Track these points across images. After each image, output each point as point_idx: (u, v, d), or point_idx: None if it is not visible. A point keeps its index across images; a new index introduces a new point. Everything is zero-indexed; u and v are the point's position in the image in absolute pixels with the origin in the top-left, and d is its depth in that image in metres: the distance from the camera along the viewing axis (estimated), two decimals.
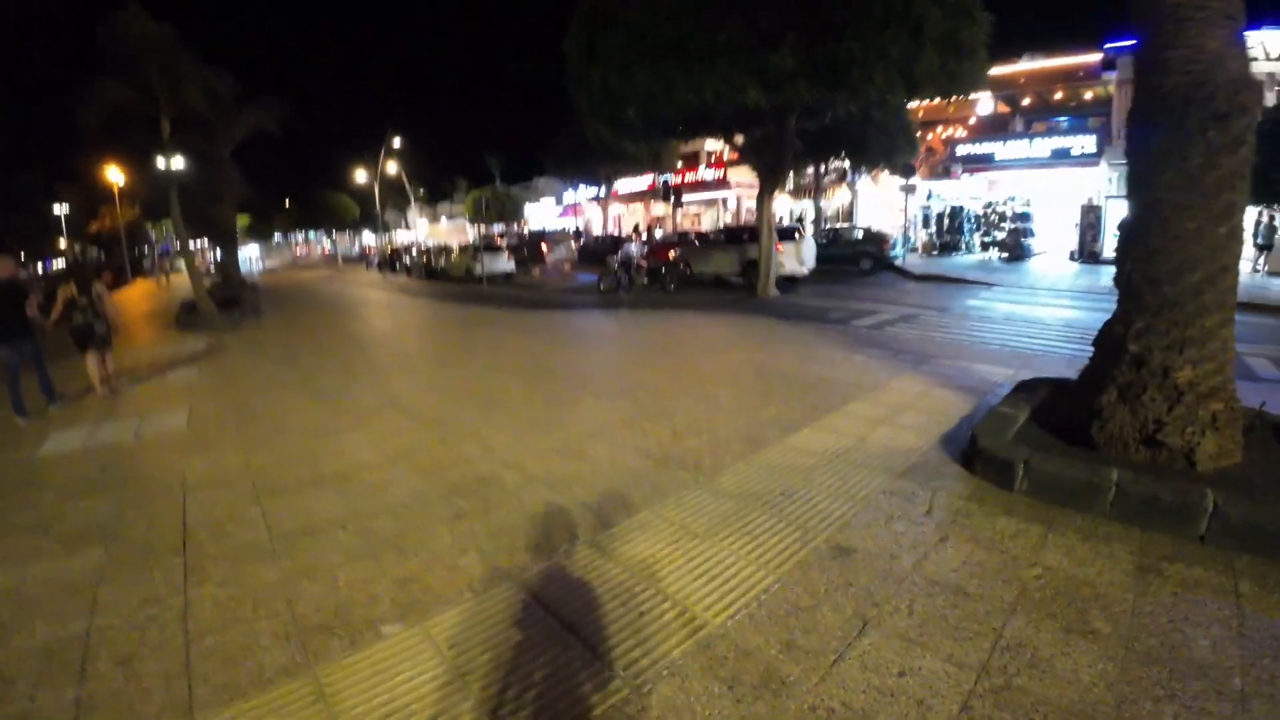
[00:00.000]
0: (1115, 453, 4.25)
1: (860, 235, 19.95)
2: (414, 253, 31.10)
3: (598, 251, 29.17)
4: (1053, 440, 4.60)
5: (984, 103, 28.01)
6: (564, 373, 7.33)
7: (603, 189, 34.84)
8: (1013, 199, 23.63)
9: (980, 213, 23.41)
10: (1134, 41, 4.56)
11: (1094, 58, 23.10)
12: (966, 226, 23.41)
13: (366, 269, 36.99)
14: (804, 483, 4.00)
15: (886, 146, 20.61)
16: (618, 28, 10.24)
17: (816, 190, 24.67)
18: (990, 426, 4.62)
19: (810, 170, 24.03)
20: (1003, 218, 22.34)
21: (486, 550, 3.27)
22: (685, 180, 32.24)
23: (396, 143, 31.45)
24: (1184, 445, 4.02)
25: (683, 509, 3.64)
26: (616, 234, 31.84)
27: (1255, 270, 17.64)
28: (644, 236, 32.72)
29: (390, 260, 32.02)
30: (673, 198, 27.91)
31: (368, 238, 73.13)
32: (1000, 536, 3.31)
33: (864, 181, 27.16)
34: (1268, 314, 11.62)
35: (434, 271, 26.21)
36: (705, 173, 31.87)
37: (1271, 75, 20.19)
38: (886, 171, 23.54)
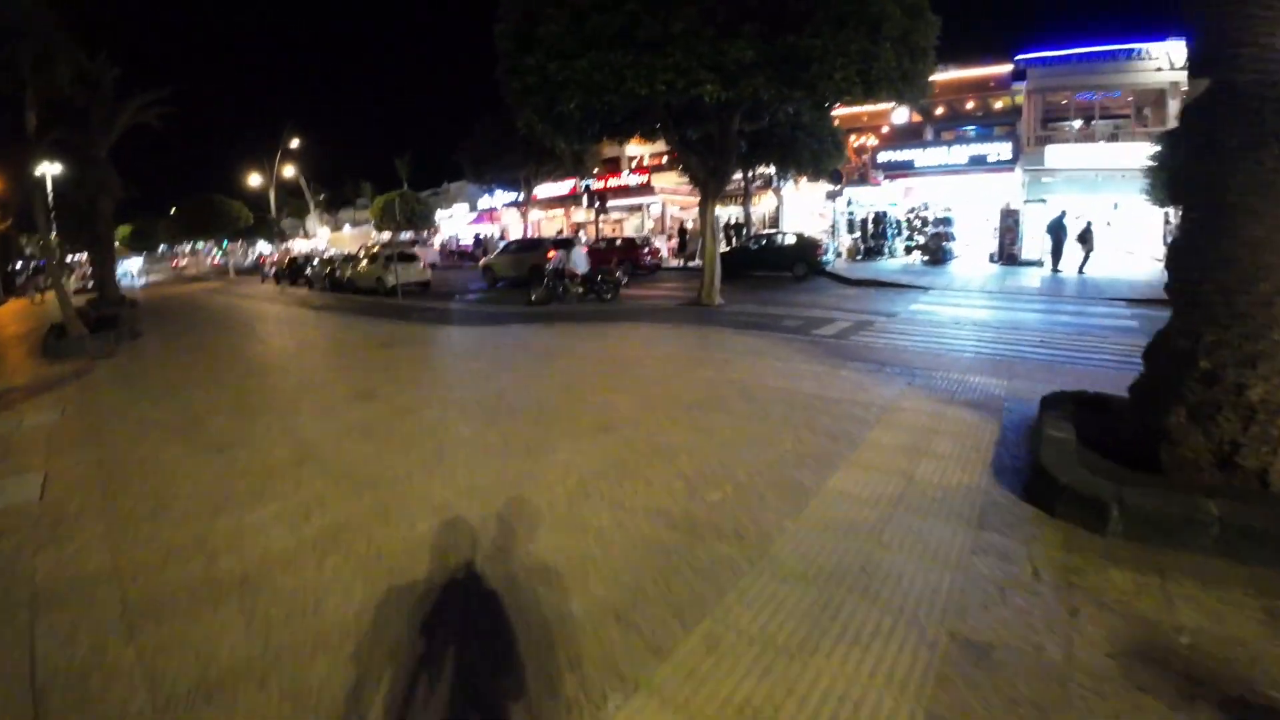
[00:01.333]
0: (1186, 477, 3.83)
1: (793, 241, 19.75)
2: (316, 262, 28.48)
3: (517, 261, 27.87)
4: (1112, 466, 4.09)
5: (899, 111, 29.11)
6: (520, 403, 6.19)
7: (522, 194, 33.42)
8: (924, 205, 24.49)
9: (904, 218, 23.99)
10: (1183, 37, 4.27)
11: (1005, 68, 24.25)
12: (890, 231, 23.92)
13: (262, 281, 33.68)
14: (878, 547, 3.17)
15: (816, 152, 20.64)
16: (560, 10, 9.23)
17: (746, 196, 24.51)
18: (1055, 457, 4.00)
19: (738, 176, 23.80)
20: (925, 222, 22.96)
21: None
22: (608, 185, 31.40)
23: (295, 143, 28.67)
24: (1258, 467, 3.68)
25: (751, 607, 2.69)
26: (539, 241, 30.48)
27: None
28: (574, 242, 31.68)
29: (289, 271, 29.14)
30: (597, 203, 26.99)
31: (263, 247, 67.70)
32: (1124, 596, 2.81)
33: (788, 187, 27.34)
34: None
35: (340, 283, 23.90)
36: (629, 178, 31.16)
37: (1175, 84, 21.77)
38: (806, 178, 23.73)
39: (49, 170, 13.12)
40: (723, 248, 26.23)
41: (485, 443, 5.02)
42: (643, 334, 10.25)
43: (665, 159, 35.78)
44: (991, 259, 22.20)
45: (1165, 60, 21.95)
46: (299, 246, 58.04)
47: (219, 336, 12.71)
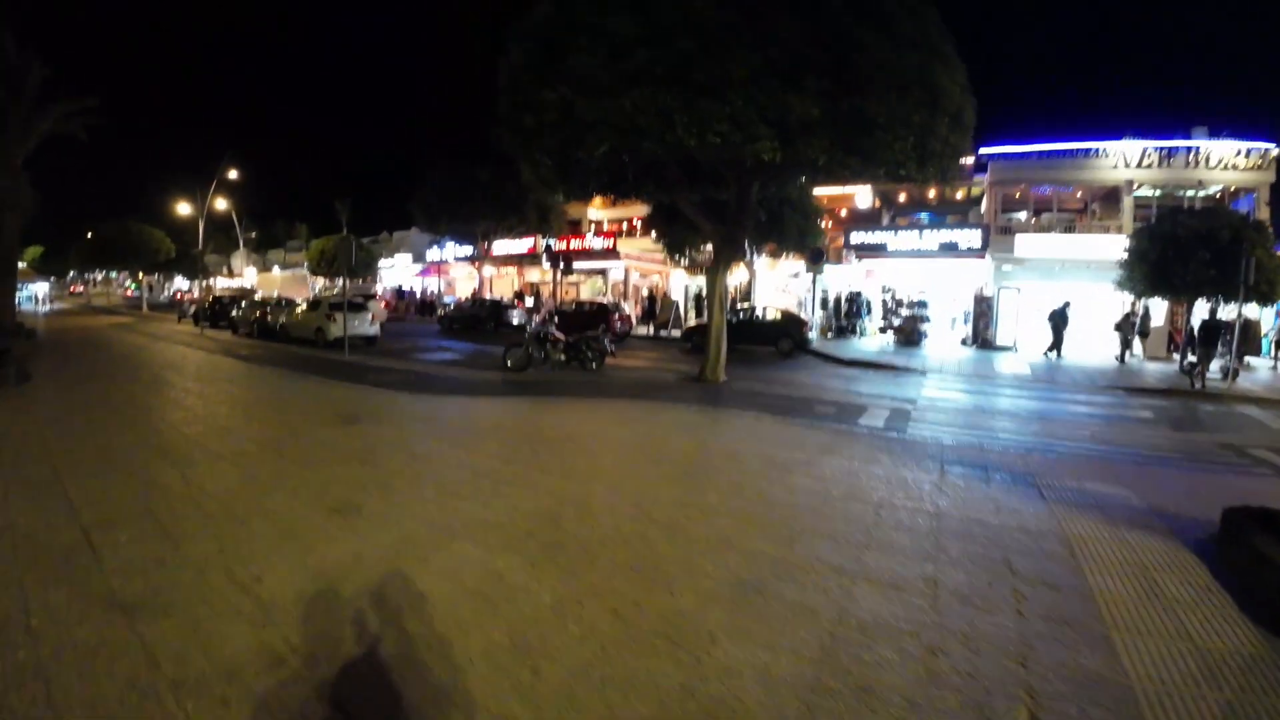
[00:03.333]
0: None
1: (776, 316, 18.90)
2: (244, 304, 25.55)
3: (473, 318, 25.89)
4: None
5: (863, 195, 29.76)
6: (585, 536, 4.37)
7: (477, 248, 31.68)
8: (888, 288, 24.54)
9: (880, 299, 23.83)
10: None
11: (968, 160, 25.03)
12: (863, 311, 23.67)
13: (179, 319, 30.08)
14: None
15: (802, 228, 20.22)
16: (596, 42, 7.98)
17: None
18: None
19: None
20: (899, 304, 22.79)
21: None
22: (570, 247, 30.19)
23: (232, 175, 26.03)
24: None
25: None
26: (496, 300, 28.64)
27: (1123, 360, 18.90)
28: (534, 304, 29.97)
29: (210, 311, 25.94)
30: (561, 264, 25.57)
31: (180, 282, 62.37)
32: None
33: (759, 262, 26.97)
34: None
35: (270, 329, 21.21)
36: (593, 240, 30.12)
37: (1130, 182, 22.98)
38: (786, 255, 23.34)
39: None
40: (692, 320, 25.45)
41: (584, 615, 3.23)
42: (668, 417, 8.64)
43: (626, 225, 35.33)
44: (964, 342, 22.18)
45: (1120, 159, 23.29)
46: (221, 284, 53.70)
47: (128, 389, 10.14)
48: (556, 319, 14.29)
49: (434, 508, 4.74)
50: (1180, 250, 15.83)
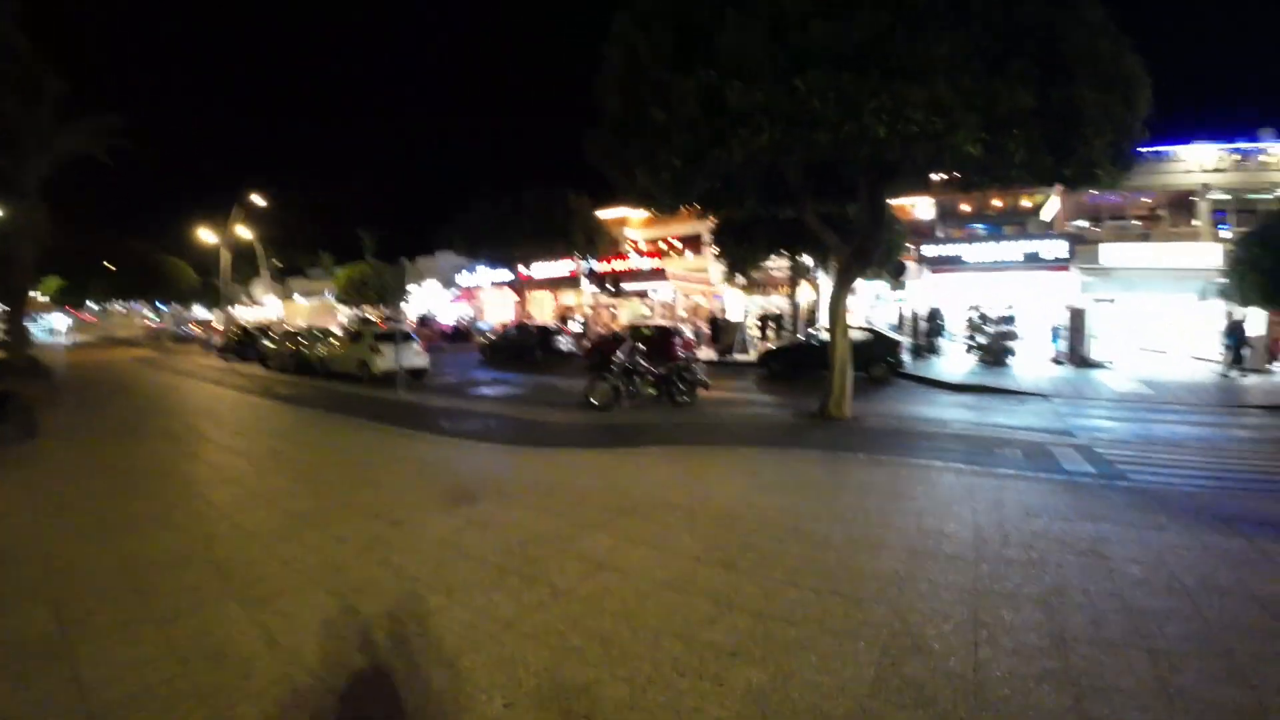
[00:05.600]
0: None
1: (865, 337, 16.97)
2: (274, 335, 24.24)
3: (519, 346, 24.23)
4: None
5: (923, 206, 28.04)
6: None
7: (516, 272, 30.26)
8: (974, 304, 22.78)
9: (967, 316, 22.02)
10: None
11: None
12: (943, 329, 21.88)
13: (204, 351, 28.86)
14: None
15: (883, 242, 18.48)
16: (752, 19, 6.39)
17: (794, 285, 22.12)
18: None
19: (784, 261, 21.50)
20: (985, 320, 20.96)
21: None
22: (615, 269, 28.67)
23: (259, 201, 24.78)
24: None
25: None
26: (543, 325, 27.08)
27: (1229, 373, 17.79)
28: (583, 330, 28.40)
29: (238, 344, 24.61)
30: (609, 286, 24.01)
31: (199, 312, 61.83)
32: None
33: (821, 278, 25.33)
34: None
35: (307, 363, 19.77)
36: (638, 261, 28.59)
37: (1205, 186, 21.47)
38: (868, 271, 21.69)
39: None
40: (758, 343, 23.63)
41: None
42: (826, 473, 6.90)
43: (664, 244, 33.82)
44: (1056, 361, 20.32)
45: (1194, 163, 22.02)
46: (243, 315, 52.96)
47: (158, 451, 8.50)
48: (639, 347, 12.63)
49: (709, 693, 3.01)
50: None
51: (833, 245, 10.59)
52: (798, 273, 22.03)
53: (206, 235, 29.77)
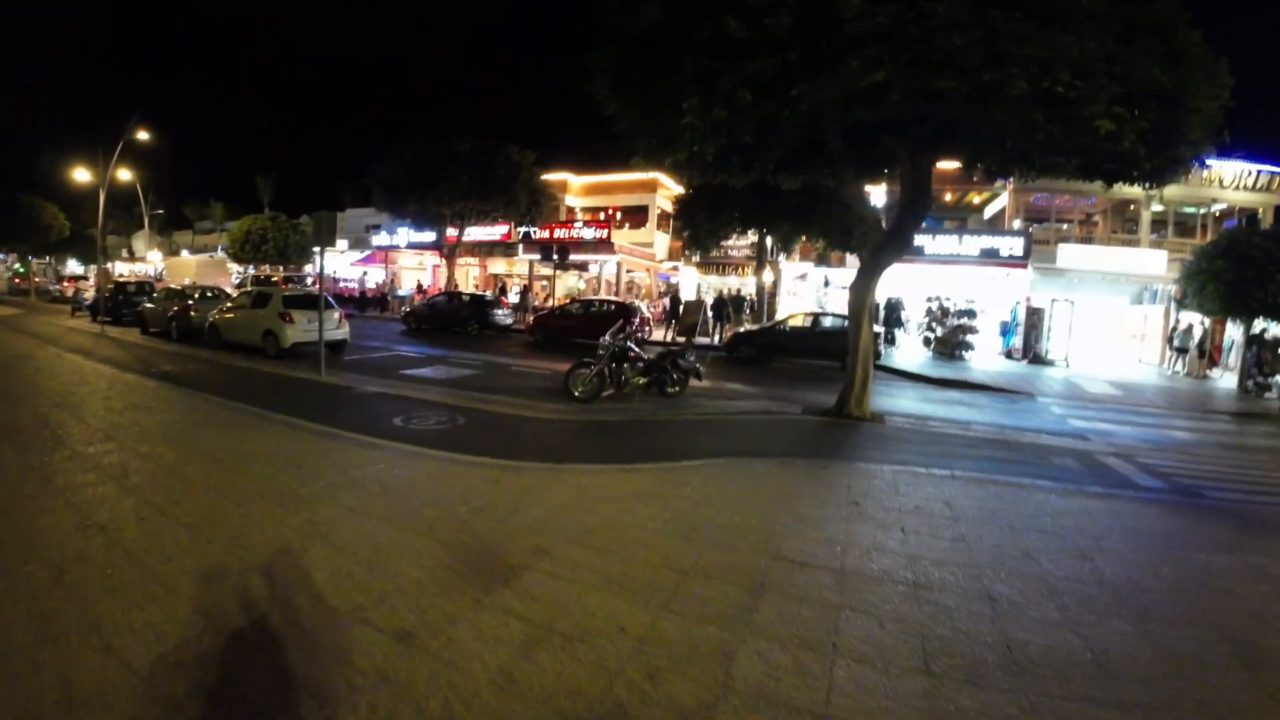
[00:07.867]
0: None
1: (840, 325, 16.01)
2: (156, 294, 20.56)
3: (448, 316, 21.55)
4: None
5: (878, 195, 27.60)
6: None
7: (442, 234, 27.29)
8: (934, 296, 22.55)
9: (926, 306, 21.66)
10: None
11: None
12: (899, 320, 21.44)
13: (73, 313, 24.35)
14: None
15: (847, 226, 17.56)
16: None
17: (760, 266, 20.85)
18: None
19: (751, 240, 20.21)
20: (945, 313, 20.64)
21: None
22: (555, 236, 26.44)
23: (143, 137, 20.60)
24: None
25: None
26: (477, 294, 24.49)
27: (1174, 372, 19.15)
28: (520, 301, 26.04)
29: (112, 303, 20.66)
30: (556, 257, 21.84)
31: (72, 266, 53.82)
32: None
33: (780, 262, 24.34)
34: None
35: (194, 330, 16.56)
36: (584, 231, 26.52)
37: (1149, 196, 22.17)
38: (829, 251, 20.81)
39: None
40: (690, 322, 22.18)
41: None
42: (882, 489, 5.57)
43: (605, 214, 31.79)
44: (1010, 356, 20.39)
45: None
46: (120, 270, 46.39)
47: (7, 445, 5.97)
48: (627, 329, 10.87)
49: None
50: (1258, 270, 15.54)
51: (870, 223, 9.26)
52: (763, 253, 20.81)
53: (81, 175, 24.82)
